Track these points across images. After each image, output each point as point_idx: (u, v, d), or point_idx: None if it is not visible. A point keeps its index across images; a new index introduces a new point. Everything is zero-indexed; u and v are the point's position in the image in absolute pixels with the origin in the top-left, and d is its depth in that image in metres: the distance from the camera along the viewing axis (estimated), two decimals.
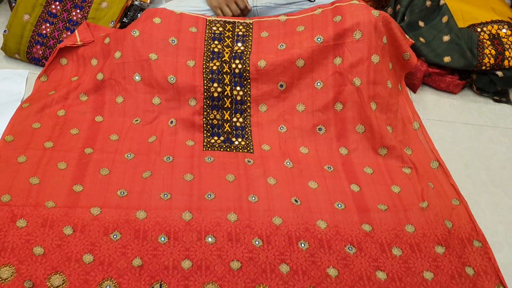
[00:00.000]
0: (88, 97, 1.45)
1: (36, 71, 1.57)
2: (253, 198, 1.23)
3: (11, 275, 1.03)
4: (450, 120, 1.58)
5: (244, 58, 1.42)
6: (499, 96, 1.67)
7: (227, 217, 1.18)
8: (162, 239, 1.12)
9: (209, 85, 1.40)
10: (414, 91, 1.66)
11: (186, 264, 1.08)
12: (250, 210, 1.20)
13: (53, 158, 1.28)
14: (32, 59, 1.57)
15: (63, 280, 1.04)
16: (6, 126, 1.35)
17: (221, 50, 1.45)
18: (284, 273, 1.08)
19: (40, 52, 1.56)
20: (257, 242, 1.13)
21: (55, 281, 1.03)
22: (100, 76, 1.46)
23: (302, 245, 1.14)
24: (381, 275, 1.10)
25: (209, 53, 1.44)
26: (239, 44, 1.46)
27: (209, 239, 1.13)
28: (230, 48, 1.45)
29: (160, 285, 1.04)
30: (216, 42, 1.47)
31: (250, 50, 1.44)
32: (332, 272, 1.09)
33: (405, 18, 1.70)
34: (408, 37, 1.54)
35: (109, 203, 1.18)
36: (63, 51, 1.55)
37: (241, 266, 1.08)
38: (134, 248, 1.10)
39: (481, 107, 1.65)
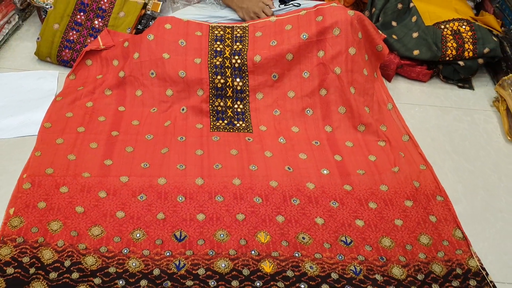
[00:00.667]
0: (112, 92, 1.70)
1: (65, 71, 1.82)
2: (253, 167, 1.47)
3: (59, 228, 1.27)
4: (420, 103, 1.83)
5: (242, 54, 1.67)
6: (462, 83, 1.93)
7: (232, 181, 1.42)
8: (180, 198, 1.36)
9: (213, 77, 1.65)
10: (389, 80, 1.91)
11: (201, 217, 1.31)
12: (251, 176, 1.44)
13: (86, 139, 1.52)
14: (62, 61, 1.82)
15: (101, 230, 1.27)
16: (44, 115, 1.60)
17: (222, 49, 1.70)
18: (280, 222, 1.32)
19: (69, 55, 1.81)
20: (257, 200, 1.37)
21: (95, 231, 1.27)
22: (121, 74, 1.71)
23: (295, 201, 1.38)
24: (359, 223, 1.34)
25: (212, 52, 1.69)
26: (238, 43, 1.71)
27: (218, 198, 1.37)
28: (230, 47, 1.70)
29: (180, 233, 1.27)
30: (218, 42, 1.72)
31: (247, 47, 1.69)
32: (319, 220, 1.33)
33: (380, 19, 1.96)
34: (380, 32, 1.80)
35: (135, 173, 1.43)
36: (88, 54, 1.80)
37: (245, 217, 1.32)
38: (157, 206, 1.34)
39: (447, 93, 1.90)
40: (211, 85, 1.65)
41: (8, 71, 1.80)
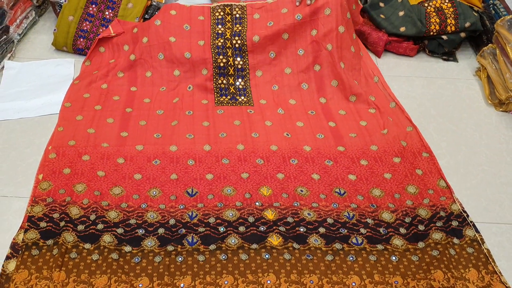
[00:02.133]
0: (124, 74, 1.84)
1: (80, 58, 1.96)
2: (255, 135, 1.61)
3: (84, 189, 1.40)
4: (407, 75, 1.96)
5: (242, 35, 1.80)
6: (447, 56, 2.06)
7: (236, 147, 1.55)
8: (190, 162, 1.49)
9: (216, 57, 1.79)
10: (379, 56, 2.04)
11: (209, 176, 1.45)
12: (253, 142, 1.57)
13: (103, 116, 1.66)
14: (77, 50, 1.97)
15: (121, 190, 1.41)
16: (63, 97, 1.74)
17: (223, 31, 1.83)
18: (280, 178, 1.45)
19: (83, 44, 1.95)
20: (259, 161, 1.50)
21: (115, 191, 1.41)
22: (132, 57, 1.85)
23: (293, 161, 1.51)
24: (352, 177, 1.47)
25: (214, 34, 1.83)
26: (237, 25, 1.84)
27: (225, 160, 1.50)
28: (230, 29, 1.83)
29: (192, 189, 1.41)
30: (219, 26, 1.85)
31: (246, 28, 1.82)
32: (315, 176, 1.46)
33: (368, 0, 2.09)
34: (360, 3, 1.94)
35: (149, 142, 1.56)
36: (101, 41, 1.93)
37: (249, 176, 1.45)
38: (170, 168, 1.47)
39: (432, 65, 2.03)
40: (214, 64, 1.79)
41: (28, 61, 1.95)
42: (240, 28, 1.82)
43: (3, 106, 1.71)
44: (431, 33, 2.00)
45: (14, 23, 1.98)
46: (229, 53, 1.80)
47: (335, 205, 1.38)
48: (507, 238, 1.33)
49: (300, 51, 1.81)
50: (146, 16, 2.05)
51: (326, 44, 1.77)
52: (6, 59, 1.92)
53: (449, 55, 2.06)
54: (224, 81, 1.80)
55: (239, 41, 1.80)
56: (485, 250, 1.28)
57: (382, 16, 2.04)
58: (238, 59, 1.81)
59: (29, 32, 2.11)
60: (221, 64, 1.79)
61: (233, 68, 1.80)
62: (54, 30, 1.96)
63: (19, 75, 1.87)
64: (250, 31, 1.81)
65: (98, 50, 1.94)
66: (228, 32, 1.81)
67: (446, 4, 2.03)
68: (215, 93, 1.78)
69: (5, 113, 1.69)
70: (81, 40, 1.95)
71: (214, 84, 1.79)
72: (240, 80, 1.81)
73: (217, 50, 1.79)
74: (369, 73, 1.88)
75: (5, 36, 1.91)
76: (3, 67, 1.89)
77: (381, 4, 2.10)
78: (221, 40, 1.80)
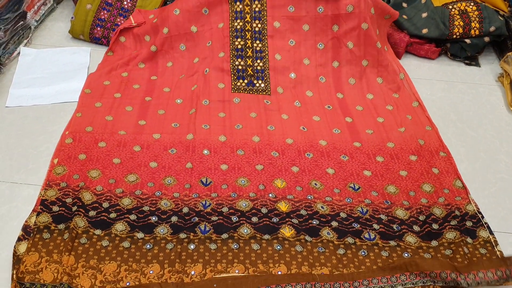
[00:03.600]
0: (145, 65, 1.96)
1: (96, 47, 2.09)
2: (271, 127, 1.71)
3: (98, 175, 1.51)
4: (428, 79, 2.05)
5: (263, 19, 1.90)
6: (469, 60, 2.15)
7: (252, 139, 1.66)
8: (206, 152, 1.60)
9: (233, 40, 1.90)
10: (399, 58, 2.14)
11: (224, 167, 1.55)
12: (269, 135, 1.68)
13: (122, 103, 1.78)
14: (94, 39, 2.09)
15: (136, 177, 1.52)
16: (77, 85, 1.86)
17: (242, 9, 1.92)
18: (295, 171, 1.55)
19: (100, 33, 2.08)
20: (274, 154, 1.61)
21: (130, 178, 1.51)
22: (153, 48, 1.97)
23: (308, 155, 1.61)
24: (367, 173, 1.56)
25: (233, 14, 1.92)
26: (257, 2, 1.91)
27: (240, 152, 1.60)
28: (249, 7, 1.91)
29: (206, 179, 1.51)
30: (238, 2, 1.93)
31: (266, 13, 1.91)
32: (330, 171, 1.56)
33: (391, 0, 2.20)
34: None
35: (166, 131, 1.67)
36: (122, 31, 2.05)
37: (264, 168, 1.55)
38: (186, 157, 1.58)
39: (454, 69, 2.12)
40: (231, 46, 1.90)
41: (44, 48, 2.08)
42: (260, 7, 1.91)
43: (18, 93, 1.83)
44: (454, 36, 2.10)
45: (32, 9, 2.11)
46: (248, 36, 1.91)
47: (348, 200, 1.47)
48: None
49: (320, 45, 1.92)
50: None
51: (347, 41, 1.88)
52: (23, 45, 2.04)
53: (471, 59, 2.15)
54: (242, 63, 1.90)
55: (259, 25, 1.90)
56: (498, 252, 1.36)
57: (404, 16, 2.15)
58: (257, 41, 1.92)
59: (46, 19, 2.25)
60: (239, 46, 1.91)
61: (251, 50, 1.91)
62: (72, 18, 2.09)
63: (35, 62, 1.99)
64: (270, 16, 1.90)
65: (119, 40, 2.06)
66: (248, 14, 1.90)
67: (471, 7, 2.13)
68: (232, 75, 1.89)
69: (19, 99, 1.81)
70: (98, 29, 2.08)
71: (231, 65, 1.91)
72: (258, 61, 1.91)
73: (235, 33, 1.91)
74: (394, 69, 1.97)
75: (22, 22, 2.04)
76: (19, 53, 2.01)
77: (404, 5, 2.20)
78: (240, 23, 1.90)
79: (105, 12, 2.09)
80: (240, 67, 1.90)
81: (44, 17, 2.22)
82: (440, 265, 1.24)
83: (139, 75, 1.92)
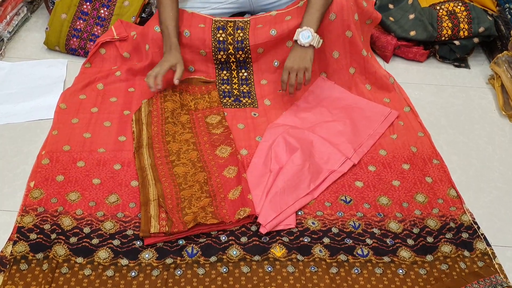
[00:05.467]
0: (122, 76, 1.91)
1: (73, 59, 2.04)
2: (259, 138, 1.68)
3: (78, 198, 1.47)
4: (417, 82, 2.04)
5: (245, 47, 1.87)
6: (458, 62, 2.14)
7: (240, 152, 1.62)
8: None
9: (219, 72, 1.90)
10: (387, 61, 2.13)
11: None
12: (257, 147, 1.65)
13: (100, 119, 1.73)
14: (70, 50, 2.04)
15: (117, 198, 1.48)
16: (53, 101, 1.80)
17: (225, 39, 1.88)
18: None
19: (76, 43, 2.03)
20: None
21: (111, 199, 1.47)
22: (133, 65, 1.93)
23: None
24: (358, 184, 1.54)
25: (216, 43, 1.88)
26: (239, 31, 1.88)
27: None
28: (232, 36, 1.89)
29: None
30: (220, 31, 1.90)
31: (248, 38, 1.87)
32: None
33: (377, 2, 2.18)
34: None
35: None
36: (103, 44, 1.99)
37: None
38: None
39: (443, 72, 2.11)
40: (218, 77, 1.91)
41: (18, 61, 2.02)
42: (242, 35, 1.88)
43: None
44: (443, 38, 2.09)
45: (4, 20, 2.05)
46: (233, 67, 1.90)
47: (340, 214, 1.45)
48: None
49: None
50: (143, 15, 2.12)
51: (332, 51, 1.85)
52: None
53: (460, 61, 2.14)
54: (228, 88, 1.89)
55: (243, 55, 1.88)
56: (496, 265, 1.35)
57: (391, 18, 2.13)
58: (243, 71, 1.92)
59: (20, 29, 2.19)
60: (225, 78, 1.90)
61: (237, 78, 1.91)
62: (46, 28, 2.04)
63: (9, 76, 1.94)
64: (252, 41, 1.86)
65: (99, 52, 2.00)
66: (231, 45, 1.87)
67: (459, 7, 2.12)
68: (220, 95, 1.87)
69: None
70: (74, 39, 2.03)
71: (218, 87, 1.89)
72: (244, 86, 1.89)
73: (220, 65, 1.91)
74: (384, 74, 1.95)
75: None
76: None
77: (391, 6, 2.19)
78: (224, 56, 1.88)
79: (81, 21, 2.04)
80: (226, 90, 1.90)
81: (17, 27, 2.16)
82: None
83: (116, 87, 1.87)
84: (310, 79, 1.71)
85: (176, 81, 1.72)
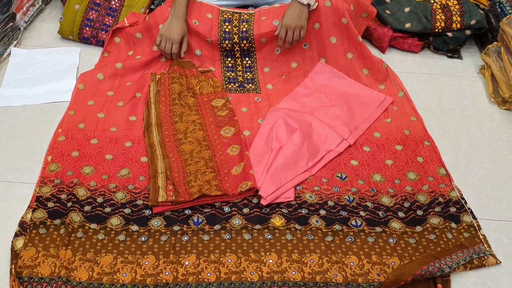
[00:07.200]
0: (141, 58, 2.00)
1: (86, 47, 2.13)
2: (261, 121, 1.77)
3: (91, 171, 1.56)
4: (411, 72, 2.12)
5: (249, 37, 1.96)
6: (451, 53, 2.23)
7: (243, 133, 1.71)
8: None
9: (224, 59, 1.99)
10: (383, 52, 2.21)
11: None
12: (259, 128, 1.73)
13: (114, 100, 1.83)
14: (83, 39, 2.14)
15: (128, 171, 1.57)
16: (69, 84, 1.91)
17: (231, 30, 1.97)
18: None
19: (89, 32, 2.12)
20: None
21: (122, 172, 1.56)
22: (155, 48, 2.02)
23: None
24: (354, 162, 1.63)
25: (222, 33, 1.97)
26: (244, 23, 1.98)
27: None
28: (237, 28, 1.98)
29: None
30: (227, 23, 2.00)
31: (252, 28, 1.96)
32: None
33: None
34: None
35: None
36: (115, 32, 2.08)
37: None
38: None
39: (437, 62, 2.20)
40: (222, 64, 2.00)
41: (35, 48, 2.12)
42: (247, 26, 1.97)
43: (8, 93, 1.87)
44: (436, 30, 2.17)
45: (21, 10, 2.15)
46: (238, 55, 1.99)
47: (336, 189, 1.54)
48: (506, 235, 1.46)
49: (305, 45, 1.98)
50: (152, 7, 2.21)
51: (329, 36, 1.93)
52: (13, 46, 2.08)
53: (453, 52, 2.23)
54: (233, 74, 1.98)
55: (247, 44, 1.97)
56: (481, 236, 1.43)
57: (387, 11, 2.22)
58: (247, 59, 2.00)
59: (35, 20, 2.28)
60: (229, 64, 2.00)
61: (241, 66, 2.00)
62: (60, 18, 2.13)
63: (26, 62, 2.03)
64: (256, 32, 1.95)
65: (113, 40, 2.09)
66: (235, 34, 1.96)
67: (452, 1, 2.20)
68: (224, 82, 1.96)
69: (9, 99, 1.84)
70: (87, 29, 2.12)
71: (222, 76, 1.98)
72: (248, 73, 1.98)
73: (225, 52, 1.99)
74: (378, 60, 2.03)
75: (11, 23, 2.08)
76: (9, 54, 2.05)
77: (387, 0, 2.27)
78: (229, 44, 1.97)
79: (93, 12, 2.14)
80: (231, 77, 1.99)
81: (33, 18, 2.25)
82: (419, 263, 1.30)
83: (132, 70, 1.96)
84: (304, 36, 1.89)
85: (182, 55, 1.95)
